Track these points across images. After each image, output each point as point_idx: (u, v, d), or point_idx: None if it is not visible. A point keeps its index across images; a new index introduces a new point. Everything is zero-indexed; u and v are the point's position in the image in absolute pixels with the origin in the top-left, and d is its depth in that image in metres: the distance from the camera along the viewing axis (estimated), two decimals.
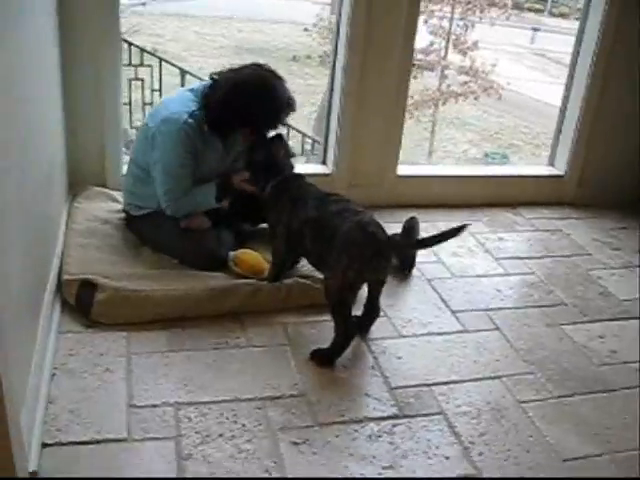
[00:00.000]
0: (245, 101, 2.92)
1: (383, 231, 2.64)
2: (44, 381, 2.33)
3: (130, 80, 5.15)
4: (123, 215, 3.26)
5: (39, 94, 2.71)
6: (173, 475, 2.08)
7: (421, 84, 11.51)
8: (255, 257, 3.07)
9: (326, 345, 2.64)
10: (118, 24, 3.43)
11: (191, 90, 3.11)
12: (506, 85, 12.10)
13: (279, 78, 3.02)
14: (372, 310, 2.81)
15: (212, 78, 3.06)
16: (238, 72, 3.02)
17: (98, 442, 2.16)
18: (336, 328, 2.62)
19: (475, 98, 11.96)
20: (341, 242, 2.59)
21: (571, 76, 4.23)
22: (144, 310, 2.73)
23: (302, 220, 2.78)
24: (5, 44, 2.04)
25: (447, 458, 2.26)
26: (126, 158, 3.43)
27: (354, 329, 2.68)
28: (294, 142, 6.59)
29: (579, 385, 2.68)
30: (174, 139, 2.95)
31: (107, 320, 2.69)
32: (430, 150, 11.59)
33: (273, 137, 3.01)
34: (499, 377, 2.67)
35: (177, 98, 3.10)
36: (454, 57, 12.08)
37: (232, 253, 3.04)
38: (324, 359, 2.63)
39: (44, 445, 2.12)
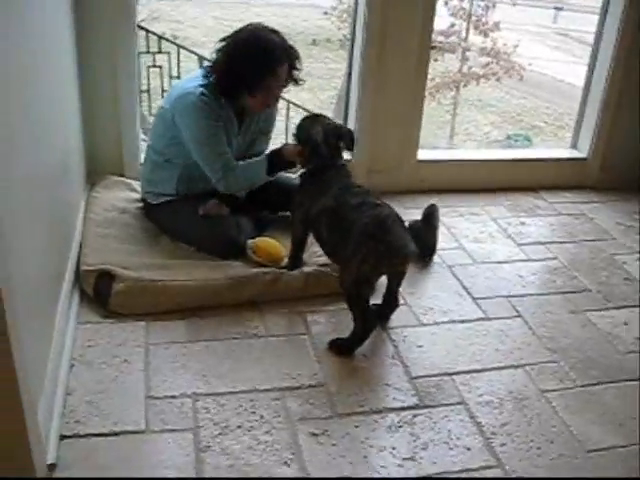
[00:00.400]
0: (240, 55, 2.91)
1: (401, 226, 2.61)
2: (62, 372, 2.33)
3: (149, 67, 5.12)
4: (141, 204, 3.24)
5: (54, 82, 2.69)
6: (192, 467, 2.07)
7: (442, 66, 11.40)
8: (274, 245, 3.04)
9: (345, 335, 2.61)
10: (134, 11, 3.40)
11: (201, 68, 3.14)
12: (528, 66, 11.95)
13: (273, 30, 2.99)
14: (391, 300, 2.79)
15: (216, 50, 3.03)
16: (233, 34, 2.99)
17: (116, 434, 2.15)
18: (354, 319, 2.60)
19: (497, 79, 11.84)
20: (357, 235, 2.56)
21: (594, 56, 4.15)
22: (162, 300, 2.71)
23: (320, 208, 2.75)
24: (22, 31, 2.03)
25: (468, 449, 2.22)
26: (144, 146, 3.42)
27: (373, 320, 2.64)
28: None
29: (603, 374, 2.63)
30: (193, 111, 2.93)
31: (125, 310, 2.68)
32: (451, 133, 11.49)
33: (342, 127, 3.05)
34: (521, 366, 2.63)
35: (188, 78, 3.14)
36: (475, 38, 11.95)
37: (250, 241, 3.02)
38: (343, 349, 2.60)
39: (62, 437, 2.12)
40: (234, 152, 3.09)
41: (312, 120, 2.99)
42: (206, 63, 3.35)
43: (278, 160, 3.04)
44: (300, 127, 2.99)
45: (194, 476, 2.04)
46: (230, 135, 3.06)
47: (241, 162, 3.04)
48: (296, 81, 3.08)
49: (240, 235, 3.05)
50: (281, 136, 7.40)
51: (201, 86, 2.96)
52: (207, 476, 2.05)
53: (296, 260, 2.97)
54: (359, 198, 2.69)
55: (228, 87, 2.97)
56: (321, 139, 2.85)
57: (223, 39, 3.00)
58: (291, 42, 3.02)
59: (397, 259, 2.61)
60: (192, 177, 3.07)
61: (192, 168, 3.04)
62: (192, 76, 3.12)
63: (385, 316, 2.80)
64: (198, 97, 2.92)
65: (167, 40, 5.86)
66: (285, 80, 3.03)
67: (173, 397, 2.32)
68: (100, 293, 2.71)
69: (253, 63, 2.90)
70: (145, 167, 3.22)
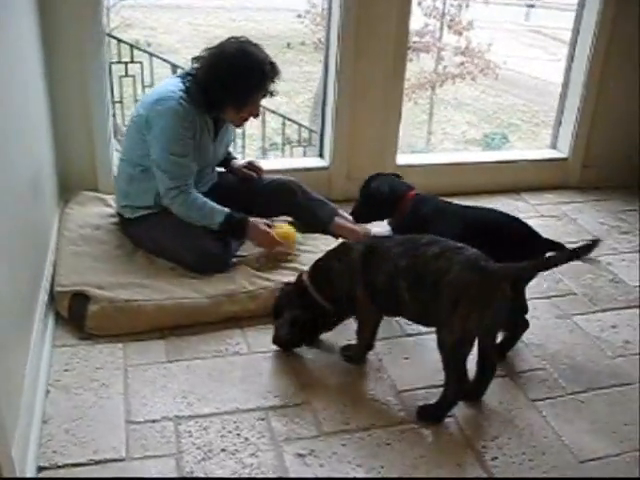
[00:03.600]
0: (230, 71, 2.87)
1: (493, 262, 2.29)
2: (38, 399, 2.25)
3: (121, 77, 5.03)
4: (116, 219, 3.16)
5: (21, 97, 2.60)
6: None
7: (417, 66, 11.37)
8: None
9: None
10: (102, 20, 3.32)
11: (178, 76, 3.07)
12: (503, 64, 11.95)
13: (255, 45, 2.96)
14: (487, 367, 2.42)
15: (195, 59, 3.00)
16: (217, 47, 2.95)
17: (96, 463, 2.08)
18: (449, 383, 2.31)
19: (472, 79, 11.82)
20: (453, 288, 2.23)
21: (571, 55, 4.13)
22: (139, 321, 2.64)
23: (390, 272, 2.38)
24: None
25: (459, 465, 2.17)
26: (118, 160, 3.34)
27: (467, 381, 2.36)
28: (290, 131, 6.50)
29: (593, 380, 2.58)
30: (171, 117, 2.86)
31: (101, 332, 2.61)
32: (429, 133, 11.47)
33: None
34: (510, 375, 2.58)
35: (164, 83, 3.07)
36: (449, 38, 11.93)
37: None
38: (435, 416, 2.34)
39: (40, 468, 2.04)
40: (210, 158, 3.07)
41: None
42: (181, 71, 3.29)
43: (238, 229, 2.97)
44: None
45: None
46: (205, 143, 3.01)
47: (201, 196, 2.95)
48: (272, 94, 3.05)
49: (223, 249, 2.98)
50: (257, 142, 7.34)
51: (183, 91, 2.91)
52: None
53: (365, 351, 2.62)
54: (434, 247, 2.33)
55: (214, 101, 2.92)
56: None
57: (207, 50, 2.95)
58: (265, 45, 3.00)
59: (502, 301, 2.26)
60: None
61: None
62: (169, 81, 3.05)
63: (481, 391, 2.45)
64: (178, 102, 2.87)
65: (139, 49, 5.78)
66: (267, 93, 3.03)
67: (154, 421, 2.24)
68: (75, 315, 2.63)
69: (244, 79, 2.87)
70: (120, 181, 3.12)
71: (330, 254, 2.59)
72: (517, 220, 2.79)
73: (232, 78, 2.87)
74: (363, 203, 3.02)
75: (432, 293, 2.26)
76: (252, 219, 2.98)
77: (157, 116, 2.88)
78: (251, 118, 3.09)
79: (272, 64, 2.95)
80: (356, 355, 2.59)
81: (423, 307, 2.33)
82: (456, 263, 2.24)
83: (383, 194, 2.90)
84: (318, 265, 2.59)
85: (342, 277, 2.48)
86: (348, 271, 2.46)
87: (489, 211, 2.87)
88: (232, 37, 2.99)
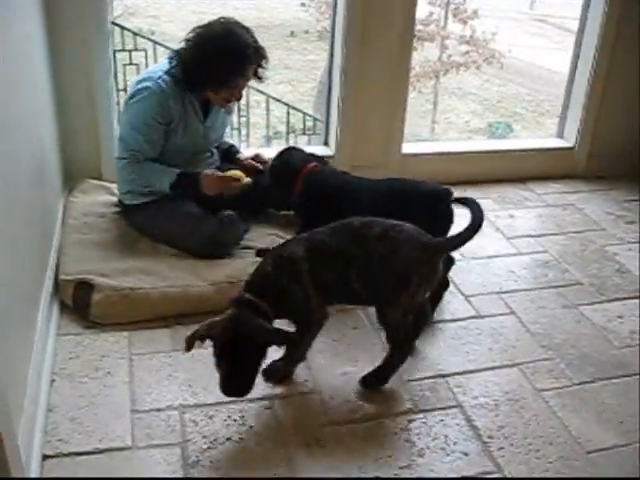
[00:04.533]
0: (212, 51, 2.84)
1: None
2: (43, 387, 2.24)
3: (125, 65, 5.00)
4: (118, 207, 3.14)
5: (26, 85, 2.58)
6: None
7: (422, 55, 11.31)
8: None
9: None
10: (107, 8, 3.30)
11: (167, 56, 3.04)
12: (507, 53, 11.88)
13: (244, 27, 2.92)
14: (422, 319, 2.53)
15: (185, 39, 2.97)
16: (205, 27, 2.92)
17: (101, 451, 2.08)
18: (394, 350, 2.35)
19: (477, 68, 11.76)
20: (402, 268, 2.25)
21: (579, 43, 4.09)
22: (144, 309, 2.63)
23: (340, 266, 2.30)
24: None
25: (466, 454, 2.16)
26: None
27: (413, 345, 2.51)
28: (295, 120, 6.47)
29: (600, 370, 2.57)
30: (148, 96, 2.87)
31: (106, 320, 2.60)
32: (433, 122, 11.42)
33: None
34: (516, 365, 2.57)
35: (154, 66, 3.11)
36: (454, 27, 11.86)
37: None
38: (378, 382, 2.39)
39: (45, 457, 2.04)
40: (201, 141, 3.07)
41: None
42: (162, 50, 3.29)
43: (189, 184, 2.94)
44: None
45: None
46: (192, 123, 2.99)
47: (150, 162, 2.94)
48: (260, 78, 3.02)
49: (224, 233, 2.97)
50: (261, 130, 7.31)
51: (165, 71, 2.90)
52: None
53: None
54: (375, 228, 2.31)
55: (194, 80, 2.91)
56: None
57: (194, 29, 2.92)
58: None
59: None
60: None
61: (168, 159, 2.97)
62: (159, 63, 3.08)
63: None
64: (156, 82, 2.87)
65: (143, 37, 5.74)
66: (250, 78, 2.98)
67: (159, 410, 2.24)
68: (79, 303, 2.63)
69: (224, 61, 2.84)
70: (118, 166, 3.05)
71: (276, 274, 2.28)
72: (422, 182, 2.82)
73: (213, 58, 2.84)
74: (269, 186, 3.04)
75: (380, 274, 2.25)
76: (203, 172, 2.97)
77: (136, 94, 2.90)
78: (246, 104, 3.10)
79: (257, 48, 2.91)
80: (291, 366, 2.43)
81: (372, 290, 2.29)
82: (402, 242, 2.25)
83: (279, 170, 2.96)
84: (267, 287, 2.26)
85: (296, 293, 2.26)
86: (299, 284, 2.26)
87: (394, 180, 2.87)
88: (222, 17, 2.95)
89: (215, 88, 2.93)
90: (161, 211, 2.98)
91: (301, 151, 3.10)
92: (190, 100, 2.96)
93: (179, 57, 2.92)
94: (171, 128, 2.93)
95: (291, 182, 2.92)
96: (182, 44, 2.94)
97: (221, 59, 2.83)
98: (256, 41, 2.92)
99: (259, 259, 2.89)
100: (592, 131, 4.17)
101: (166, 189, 2.92)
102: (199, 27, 2.93)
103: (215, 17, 2.93)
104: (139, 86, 2.90)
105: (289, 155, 3.03)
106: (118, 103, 3.62)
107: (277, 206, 3.25)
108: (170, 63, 2.93)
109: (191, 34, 2.92)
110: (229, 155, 3.31)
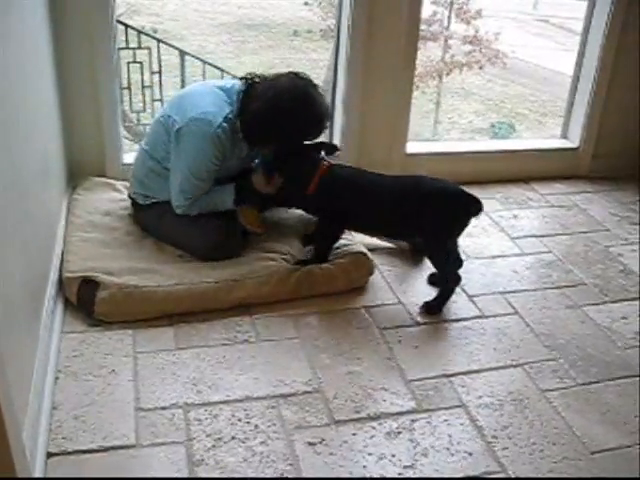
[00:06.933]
0: (284, 117, 2.76)
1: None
2: (47, 385, 2.24)
3: (128, 63, 4.99)
4: (128, 203, 3.12)
5: (31, 82, 2.58)
6: None
7: (425, 55, 11.30)
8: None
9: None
10: (112, 6, 3.29)
11: (223, 89, 2.90)
12: (511, 53, 11.88)
13: (315, 86, 2.87)
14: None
15: (246, 81, 2.90)
16: (275, 82, 2.84)
17: (106, 449, 2.07)
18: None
19: (480, 67, 11.75)
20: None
21: (583, 44, 4.08)
22: (148, 307, 2.63)
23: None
24: None
25: (470, 454, 2.16)
26: (126, 146, 3.32)
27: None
28: None
29: (604, 371, 2.57)
30: (206, 142, 2.77)
31: (110, 318, 2.60)
32: (435, 122, 11.41)
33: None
34: (520, 365, 2.57)
35: (208, 96, 2.88)
36: (457, 26, 11.85)
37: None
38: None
39: (49, 455, 2.03)
40: (233, 172, 2.99)
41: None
42: (229, 80, 3.11)
43: (246, 189, 2.94)
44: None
45: None
46: (233, 162, 2.95)
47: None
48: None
49: (229, 237, 2.95)
50: None
51: (225, 118, 2.79)
52: None
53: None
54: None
55: (256, 134, 2.85)
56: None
57: (263, 78, 2.88)
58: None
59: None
60: None
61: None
62: (213, 95, 2.89)
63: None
64: (217, 130, 2.76)
65: (147, 35, 5.74)
66: None
67: (164, 408, 2.23)
68: (84, 301, 2.62)
69: (302, 126, 2.82)
70: (138, 169, 3.04)
71: None
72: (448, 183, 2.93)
73: (290, 123, 2.77)
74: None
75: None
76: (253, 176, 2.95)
77: (191, 134, 2.79)
78: None
79: (327, 110, 2.90)
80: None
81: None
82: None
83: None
84: None
85: None
86: None
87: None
88: (291, 72, 2.89)
89: (279, 146, 2.88)
90: (169, 212, 2.95)
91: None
92: (240, 147, 2.91)
93: (242, 106, 2.83)
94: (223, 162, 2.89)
95: (306, 183, 2.89)
96: (244, 82, 2.88)
97: (296, 126, 2.79)
98: (326, 101, 2.92)
99: (264, 255, 2.92)
100: (596, 132, 4.16)
101: (231, 206, 2.93)
102: (268, 78, 2.86)
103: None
104: (197, 128, 2.78)
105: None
106: (122, 101, 3.62)
107: (291, 205, 3.20)
108: (230, 105, 2.83)
109: (258, 81, 2.86)
110: None
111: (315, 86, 2.88)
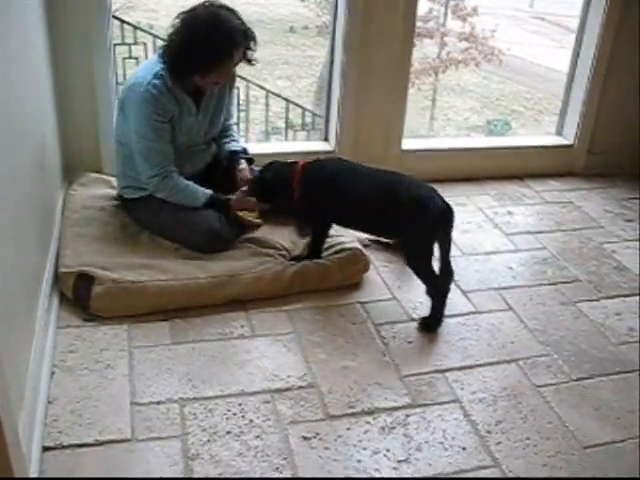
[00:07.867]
0: (198, 37, 2.78)
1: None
2: (43, 380, 2.25)
3: (124, 59, 4.99)
4: (117, 202, 3.14)
5: (27, 77, 2.58)
6: (181, 477, 2.00)
7: (420, 52, 11.30)
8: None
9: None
10: (106, 1, 3.29)
11: (158, 54, 2.96)
12: (507, 50, 11.88)
13: (230, 10, 2.87)
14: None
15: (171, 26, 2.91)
16: (190, 11, 2.86)
17: (101, 444, 2.08)
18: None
19: (476, 65, 11.75)
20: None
21: (579, 41, 4.09)
22: (144, 302, 2.63)
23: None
24: None
25: (464, 449, 2.17)
26: None
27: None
28: (293, 115, 6.47)
29: (597, 366, 2.59)
30: (141, 102, 2.82)
31: (106, 313, 2.60)
32: (431, 118, 11.42)
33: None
34: (514, 360, 2.58)
35: (145, 66, 2.97)
36: (453, 23, 11.85)
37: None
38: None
39: (45, 449, 2.04)
40: (196, 134, 3.02)
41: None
42: (161, 43, 3.15)
43: (221, 206, 2.99)
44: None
45: None
46: (186, 120, 2.95)
47: (183, 179, 2.94)
48: (249, 61, 2.97)
49: (224, 228, 2.97)
50: (259, 126, 7.32)
51: (154, 75, 2.83)
52: None
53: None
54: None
55: (181, 68, 2.85)
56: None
57: (179, 15, 2.87)
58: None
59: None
60: None
61: None
62: (148, 61, 3.02)
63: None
64: (146, 88, 2.81)
65: (143, 30, 5.74)
66: (239, 60, 2.92)
67: (159, 403, 2.24)
68: (80, 296, 2.63)
69: (212, 46, 2.78)
70: (119, 162, 3.07)
71: None
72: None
73: (199, 43, 2.78)
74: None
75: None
76: (233, 197, 3.00)
77: (128, 101, 2.87)
78: None
79: (245, 31, 2.86)
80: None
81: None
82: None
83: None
84: None
85: None
86: None
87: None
88: (207, 1, 2.89)
89: (201, 73, 2.86)
90: (161, 206, 2.97)
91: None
92: (183, 99, 2.91)
93: (166, 47, 2.87)
94: (172, 125, 2.90)
95: (289, 179, 2.90)
96: (169, 30, 2.88)
97: (208, 44, 2.77)
98: (243, 23, 2.87)
99: (259, 250, 2.92)
100: (591, 129, 4.18)
101: (200, 205, 2.96)
102: (184, 13, 2.87)
103: (198, 4, 2.87)
104: (131, 94, 2.86)
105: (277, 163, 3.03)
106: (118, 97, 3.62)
107: (279, 207, 3.20)
108: (161, 57, 2.87)
109: (176, 20, 2.87)
110: (230, 161, 3.20)
111: (229, 9, 2.88)
